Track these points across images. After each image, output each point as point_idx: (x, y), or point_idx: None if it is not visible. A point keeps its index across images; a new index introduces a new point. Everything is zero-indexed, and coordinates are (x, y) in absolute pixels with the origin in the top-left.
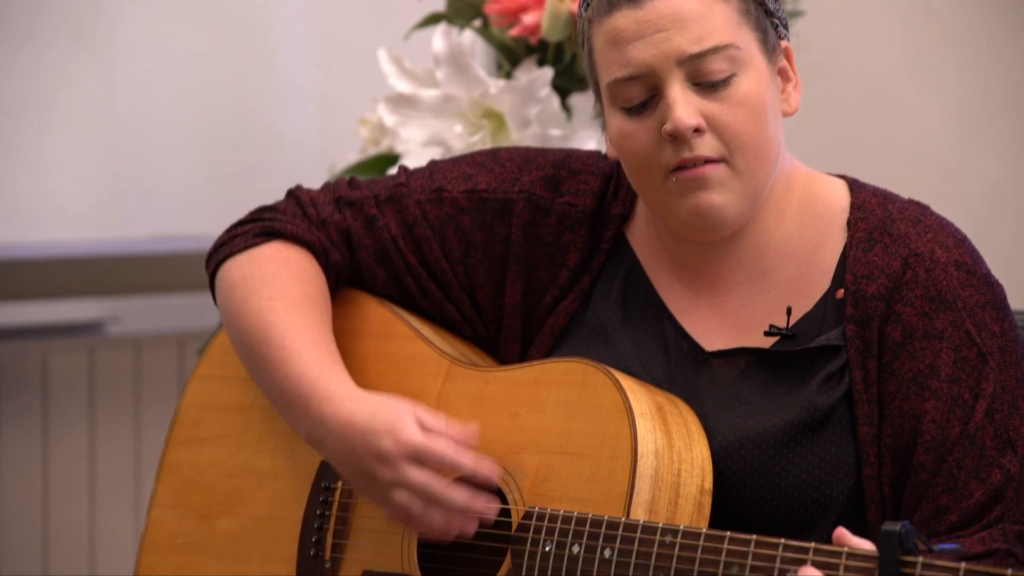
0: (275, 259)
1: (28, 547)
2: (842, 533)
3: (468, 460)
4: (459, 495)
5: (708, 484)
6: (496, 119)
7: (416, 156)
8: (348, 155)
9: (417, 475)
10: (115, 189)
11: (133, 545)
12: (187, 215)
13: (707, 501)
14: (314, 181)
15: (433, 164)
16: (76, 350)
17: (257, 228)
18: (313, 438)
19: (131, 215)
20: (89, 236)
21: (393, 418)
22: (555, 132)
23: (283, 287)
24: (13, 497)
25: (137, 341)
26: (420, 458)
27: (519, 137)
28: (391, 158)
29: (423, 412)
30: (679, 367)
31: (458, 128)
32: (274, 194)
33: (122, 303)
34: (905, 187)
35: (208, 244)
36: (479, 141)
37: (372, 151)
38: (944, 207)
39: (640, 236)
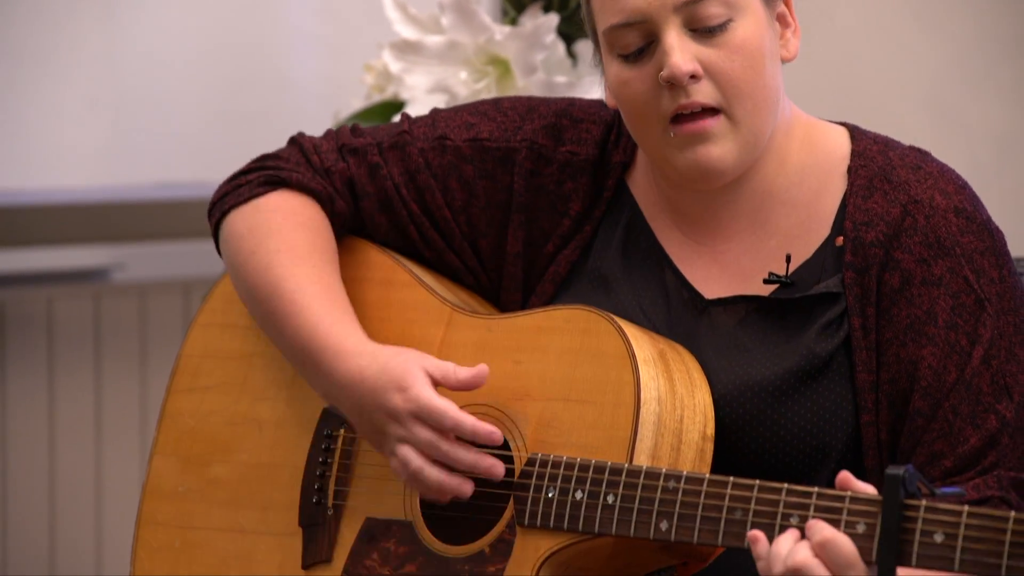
0: (281, 209)
1: (34, 493)
2: (847, 477)
3: (468, 422)
4: (463, 454)
5: (710, 430)
6: (501, 66)
7: (421, 103)
8: (353, 102)
9: (421, 432)
10: (120, 135)
11: (138, 490)
12: (192, 161)
13: (709, 447)
14: (319, 127)
15: (435, 112)
16: (81, 297)
17: (261, 177)
18: (328, 394)
19: (136, 161)
20: (94, 182)
21: (401, 374)
22: (560, 79)
23: (290, 238)
24: (19, 443)
25: (142, 288)
26: (424, 417)
27: (524, 84)
28: (396, 105)
29: (433, 364)
30: (679, 315)
31: (463, 75)
32: (279, 140)
33: (127, 250)
34: (910, 134)
35: (213, 191)
36: (484, 88)
37: (377, 98)
38: (950, 154)
39: (641, 184)
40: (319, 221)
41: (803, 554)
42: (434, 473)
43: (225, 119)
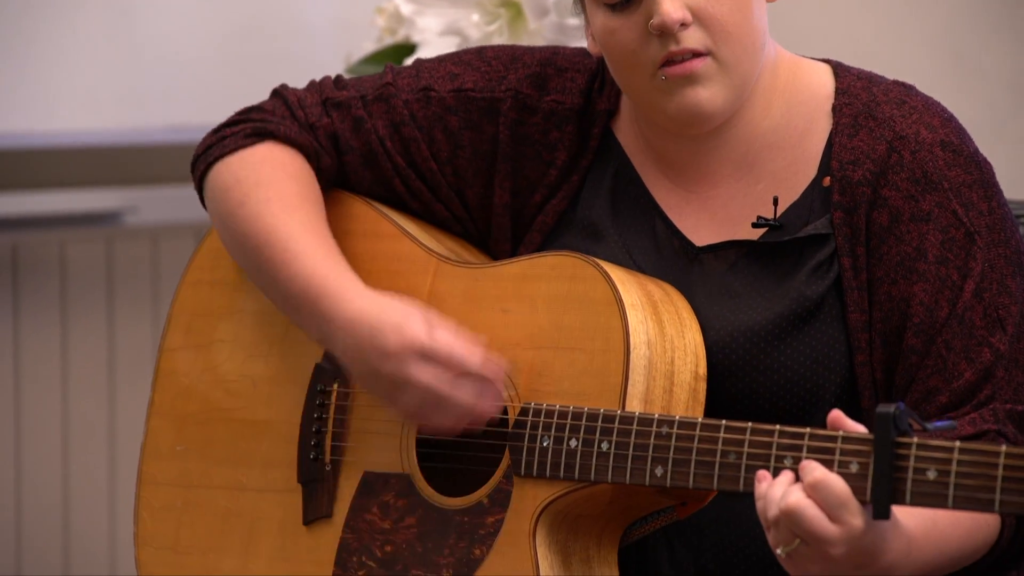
0: (269, 160)
1: (47, 436)
2: (838, 416)
3: (476, 357)
4: (465, 393)
5: (702, 370)
6: (513, 8)
7: (433, 46)
8: (364, 44)
9: (423, 372)
10: (133, 78)
11: None
12: (204, 105)
13: (702, 387)
14: (331, 70)
15: (419, 63)
16: (93, 240)
17: (248, 128)
18: (323, 336)
19: (149, 104)
20: (106, 126)
21: (401, 316)
22: (572, 21)
23: (280, 188)
24: (32, 387)
25: (154, 231)
26: (427, 355)
27: (536, 27)
28: (408, 48)
29: (433, 314)
30: (670, 263)
31: (475, 17)
32: (290, 83)
33: (140, 193)
34: (922, 78)
35: None
36: (496, 31)
37: (389, 41)
38: (964, 98)
39: (627, 133)
40: (307, 173)
41: (796, 496)
42: (442, 411)
43: (237, 62)
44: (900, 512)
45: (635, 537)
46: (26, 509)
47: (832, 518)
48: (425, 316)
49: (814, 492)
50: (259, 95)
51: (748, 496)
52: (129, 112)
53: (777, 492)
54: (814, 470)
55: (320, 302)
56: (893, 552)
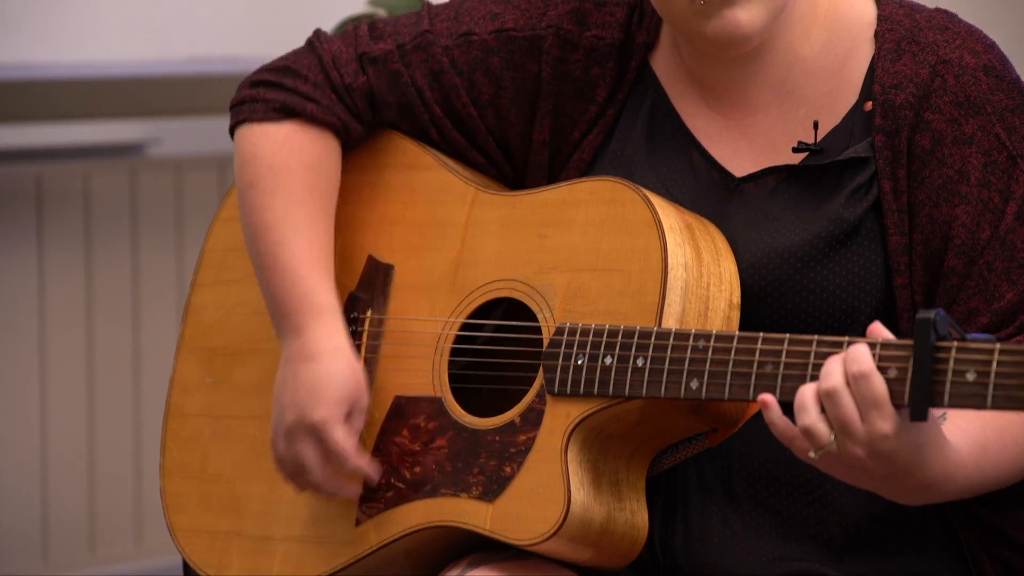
0: (289, 144)
1: (72, 367)
2: (877, 327)
3: (360, 462)
4: (328, 487)
5: (736, 299)
6: None
7: None
8: None
9: (304, 451)
10: (156, 9)
11: None
12: (228, 36)
13: (736, 315)
14: (353, 5)
15: (458, 4)
16: (117, 171)
17: (277, 101)
18: (281, 345)
19: (172, 36)
20: (131, 57)
21: (320, 400)
22: None
23: (290, 180)
24: (57, 318)
25: (178, 163)
26: (321, 438)
27: None
28: None
29: (358, 406)
30: (708, 194)
31: None
32: (315, 16)
33: (163, 124)
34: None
35: (249, 66)
36: None
37: None
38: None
39: (665, 64)
40: (323, 160)
41: (837, 380)
42: (304, 482)
43: None
44: (950, 435)
45: (666, 466)
46: (52, 439)
47: (862, 415)
48: (348, 412)
49: (855, 383)
50: (283, 27)
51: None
52: (153, 43)
53: (831, 368)
54: (862, 361)
55: (285, 322)
56: (934, 472)
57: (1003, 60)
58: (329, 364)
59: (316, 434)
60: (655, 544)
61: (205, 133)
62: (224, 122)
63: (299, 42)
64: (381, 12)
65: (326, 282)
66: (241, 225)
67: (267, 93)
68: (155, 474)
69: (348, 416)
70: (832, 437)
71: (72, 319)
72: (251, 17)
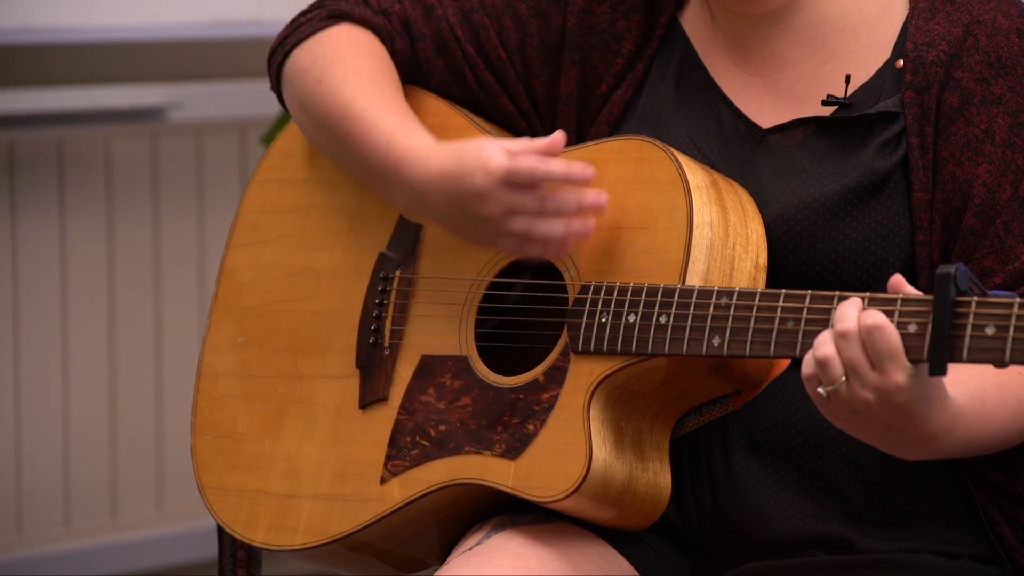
0: (344, 39)
1: (94, 332)
2: (899, 280)
3: (558, 165)
4: (566, 196)
5: (763, 260)
6: None
7: None
8: None
9: (520, 196)
10: None
11: (198, 328)
12: (250, 0)
13: (762, 277)
14: None
15: None
16: (138, 136)
17: (324, 12)
18: (413, 203)
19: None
20: (152, 21)
21: (476, 154)
22: None
23: (356, 64)
24: (78, 281)
25: (199, 127)
26: (514, 181)
27: None
28: None
29: (507, 141)
30: (735, 148)
31: None
32: None
33: (184, 89)
34: None
35: (270, 30)
36: None
37: None
38: None
39: (694, 20)
40: (382, 51)
41: (851, 323)
42: (556, 222)
43: None
44: (950, 388)
45: (689, 428)
46: (74, 406)
47: (874, 365)
48: (501, 145)
49: (868, 336)
50: None
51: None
52: (175, 7)
53: (844, 311)
54: (875, 315)
55: (401, 167)
56: (935, 423)
57: None
58: (453, 149)
59: (501, 183)
60: (688, 496)
61: (227, 97)
62: (246, 85)
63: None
64: None
65: (424, 128)
66: (315, 136)
67: (309, 16)
68: (177, 441)
69: (511, 154)
70: (844, 377)
71: (94, 283)
72: None
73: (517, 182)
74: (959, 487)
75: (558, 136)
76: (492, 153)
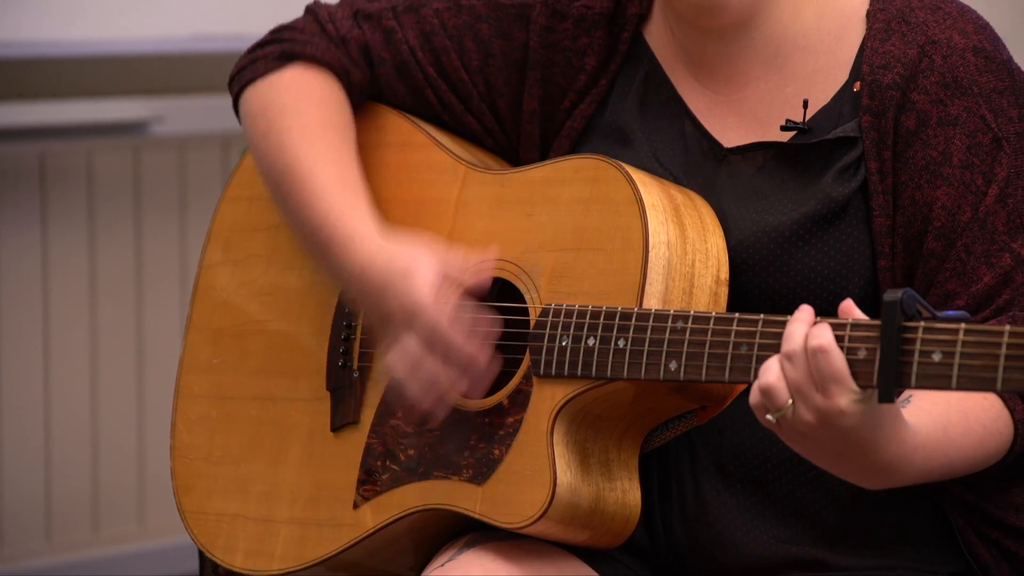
0: (294, 85)
1: (75, 346)
2: (849, 305)
3: (457, 345)
4: (446, 375)
5: (724, 274)
6: None
7: None
8: None
9: (411, 343)
10: None
11: (178, 341)
12: (232, 14)
13: (723, 291)
14: None
15: None
16: (121, 149)
17: (276, 51)
18: (337, 281)
19: (176, 13)
20: (134, 35)
21: (405, 273)
22: None
23: (303, 117)
24: (60, 296)
25: (181, 141)
26: (418, 330)
27: None
28: None
29: (441, 260)
30: (697, 165)
31: None
32: None
33: (166, 103)
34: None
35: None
36: None
37: None
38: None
39: (657, 36)
40: (333, 96)
41: (797, 343)
42: (418, 383)
43: None
44: (911, 417)
45: (657, 443)
46: (54, 419)
47: (818, 387)
48: (432, 269)
49: (813, 358)
50: (286, 5)
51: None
52: (157, 21)
53: (794, 331)
54: (822, 336)
55: (331, 245)
56: (888, 453)
57: (995, 40)
58: (389, 262)
59: (411, 324)
60: (656, 523)
61: (209, 111)
62: (228, 100)
63: None
64: None
65: (360, 201)
66: (264, 182)
67: (265, 51)
68: (158, 455)
69: (445, 289)
70: (790, 402)
71: (75, 298)
72: None
73: (417, 330)
74: (932, 506)
75: (492, 252)
76: (415, 283)
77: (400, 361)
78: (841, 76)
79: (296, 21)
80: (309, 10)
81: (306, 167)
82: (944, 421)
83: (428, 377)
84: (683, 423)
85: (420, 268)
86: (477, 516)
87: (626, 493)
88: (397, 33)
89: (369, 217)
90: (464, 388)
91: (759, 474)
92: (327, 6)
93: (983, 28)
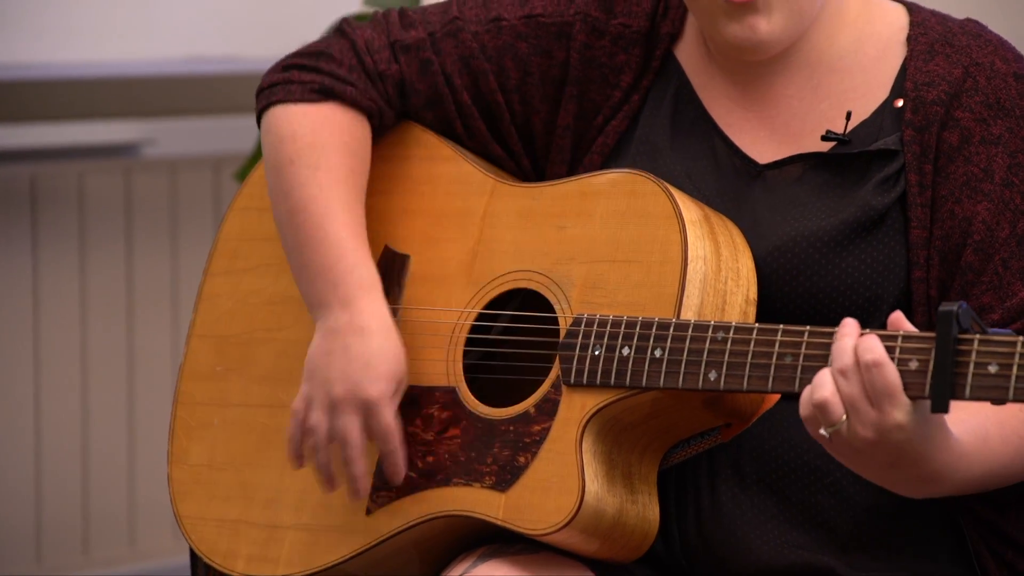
0: (329, 124)
1: (66, 368)
2: (899, 317)
3: (397, 457)
4: (358, 467)
5: (753, 294)
6: None
7: None
8: None
9: (349, 425)
10: (153, 9)
11: (171, 365)
12: (223, 36)
13: (752, 311)
14: (352, 3)
15: None
16: (112, 172)
17: (315, 83)
18: (314, 316)
19: (168, 36)
20: (126, 57)
21: (375, 377)
22: None
23: (333, 159)
24: (51, 318)
25: (173, 163)
26: (371, 415)
27: None
28: None
29: (400, 396)
30: (730, 182)
31: None
32: (311, 16)
33: (158, 125)
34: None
35: (244, 66)
36: None
37: None
38: None
39: (690, 55)
40: (362, 143)
41: (849, 360)
42: (327, 456)
43: None
44: (953, 426)
45: (677, 460)
46: (46, 441)
47: (873, 403)
48: (395, 393)
49: (868, 372)
50: (279, 27)
51: (792, 414)
52: (149, 43)
53: (845, 345)
54: (874, 350)
55: (333, 294)
56: (938, 463)
57: None
58: (383, 340)
59: (367, 410)
60: (672, 527)
61: (200, 133)
62: (220, 122)
63: (296, 42)
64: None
65: (370, 260)
66: (272, 204)
67: (302, 76)
68: (150, 477)
69: (393, 396)
70: (844, 417)
71: (67, 319)
72: (247, 17)
73: (366, 418)
74: (946, 518)
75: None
76: (387, 371)
77: (326, 439)
78: (881, 94)
79: (333, 47)
80: (344, 33)
81: (323, 208)
82: (983, 431)
83: (348, 456)
84: (706, 440)
85: (387, 370)
86: (499, 522)
87: (646, 507)
88: (433, 64)
89: (373, 275)
90: (362, 481)
91: (776, 479)
92: (362, 32)
93: (1020, 58)
